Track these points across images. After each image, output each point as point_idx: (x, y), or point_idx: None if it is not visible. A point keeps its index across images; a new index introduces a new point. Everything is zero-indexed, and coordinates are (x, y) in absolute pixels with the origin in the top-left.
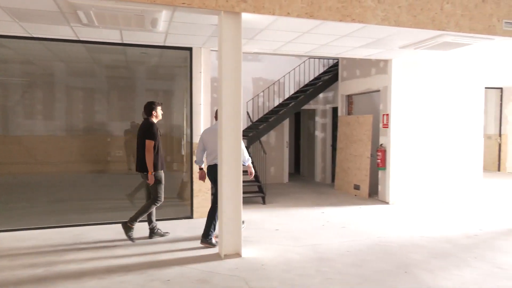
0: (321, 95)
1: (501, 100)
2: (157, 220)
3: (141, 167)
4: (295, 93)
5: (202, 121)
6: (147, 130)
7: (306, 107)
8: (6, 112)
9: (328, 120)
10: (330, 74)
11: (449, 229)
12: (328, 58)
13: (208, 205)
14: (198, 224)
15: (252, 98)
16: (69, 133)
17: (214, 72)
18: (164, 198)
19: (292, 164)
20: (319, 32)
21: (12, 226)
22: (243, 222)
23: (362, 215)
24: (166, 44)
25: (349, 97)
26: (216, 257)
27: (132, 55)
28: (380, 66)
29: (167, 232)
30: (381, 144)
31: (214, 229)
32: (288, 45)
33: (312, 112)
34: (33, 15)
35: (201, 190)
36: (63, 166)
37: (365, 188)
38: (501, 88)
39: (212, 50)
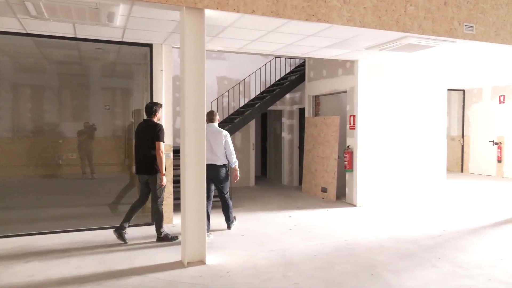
0: (288, 96)
1: (463, 102)
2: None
3: (146, 169)
4: (261, 93)
5: (163, 122)
6: (156, 132)
7: (272, 107)
8: None
9: (295, 121)
10: (297, 74)
11: (414, 230)
12: (295, 58)
13: (169, 210)
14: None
15: (217, 98)
16: (15, 134)
17: (176, 70)
18: (122, 204)
19: (259, 167)
20: (285, 31)
21: None
22: (235, 218)
23: (329, 218)
24: (124, 40)
25: (316, 98)
26: (179, 265)
27: (87, 51)
28: (347, 67)
29: (175, 237)
30: (348, 146)
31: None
32: (253, 44)
33: (279, 113)
34: None
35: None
36: (8, 170)
37: (332, 190)
38: (463, 90)
39: (174, 47)
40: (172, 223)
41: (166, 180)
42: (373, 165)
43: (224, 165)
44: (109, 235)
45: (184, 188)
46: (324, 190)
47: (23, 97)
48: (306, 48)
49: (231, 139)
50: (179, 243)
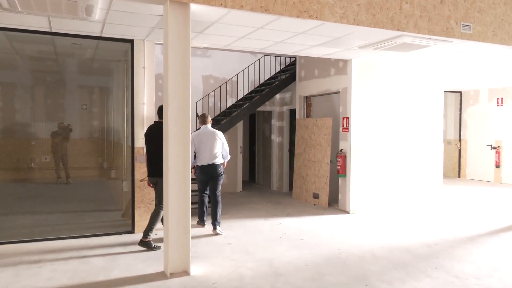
0: (277, 96)
1: (461, 104)
2: (92, 235)
3: (159, 171)
4: (250, 93)
5: (145, 123)
6: None
7: (261, 108)
8: None
9: (286, 123)
10: (287, 74)
11: (409, 239)
12: (285, 56)
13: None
14: (139, 239)
15: (202, 98)
16: None
17: (159, 68)
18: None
19: (247, 171)
20: (274, 28)
21: None
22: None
23: (321, 225)
24: (103, 35)
25: (308, 99)
26: (161, 276)
27: (62, 46)
28: (340, 66)
29: (158, 247)
30: (341, 150)
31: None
32: (241, 41)
33: (268, 114)
34: None
35: (144, 201)
36: None
37: (324, 196)
38: (460, 92)
39: (156, 43)
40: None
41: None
42: (367, 170)
43: (220, 164)
44: (84, 244)
45: (167, 193)
46: (315, 196)
47: None
48: (297, 46)
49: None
50: (160, 253)
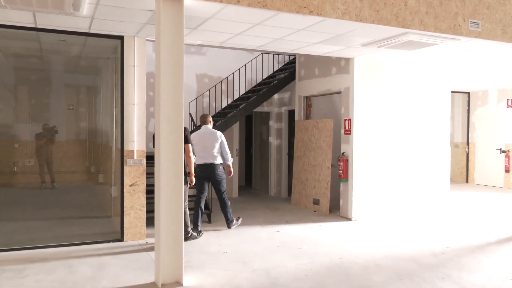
0: (276, 96)
1: (468, 105)
2: (79, 244)
3: None
4: (246, 93)
5: (135, 124)
6: (184, 135)
7: (258, 109)
8: None
9: (284, 125)
10: (286, 72)
11: (415, 247)
12: (284, 54)
13: (141, 224)
14: (129, 248)
15: (196, 98)
16: None
17: (151, 66)
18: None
19: (243, 176)
20: (273, 24)
21: None
22: (238, 218)
23: (322, 233)
24: (92, 31)
25: (308, 99)
26: (152, 287)
27: (48, 43)
28: (341, 65)
29: (200, 232)
30: (343, 153)
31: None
32: (237, 38)
33: (266, 116)
34: None
35: (134, 207)
36: None
37: (325, 202)
38: (468, 93)
39: (148, 40)
40: (144, 239)
41: (194, 180)
42: (370, 175)
43: (219, 164)
44: (70, 252)
45: (159, 199)
46: (316, 202)
47: None
48: (297, 43)
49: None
50: (151, 262)
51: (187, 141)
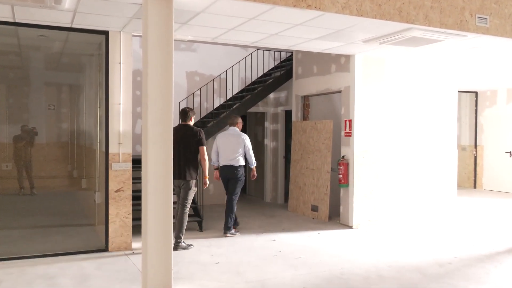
0: (271, 95)
1: (476, 106)
2: (60, 254)
3: (184, 174)
4: (240, 92)
5: (121, 126)
6: (199, 137)
7: (253, 109)
8: None
9: (281, 126)
10: (283, 70)
11: (419, 257)
12: (280, 51)
13: (127, 233)
14: (115, 258)
15: (186, 98)
16: None
17: (138, 64)
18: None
19: None
20: (268, 18)
21: None
22: (237, 231)
23: (321, 242)
24: (74, 26)
25: (305, 99)
26: None
27: (27, 38)
28: (341, 63)
29: (191, 245)
30: (343, 156)
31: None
32: (230, 33)
33: (261, 116)
34: None
35: (119, 214)
36: None
37: (324, 209)
38: (475, 92)
39: (134, 36)
40: (131, 248)
41: (208, 182)
42: (373, 179)
43: (240, 166)
44: (51, 263)
45: (146, 206)
46: (314, 208)
47: None
48: (294, 39)
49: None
50: (138, 273)
51: (202, 143)
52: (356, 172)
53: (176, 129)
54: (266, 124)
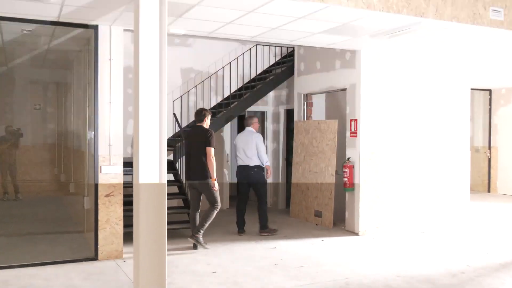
0: (272, 94)
1: (490, 104)
2: (46, 264)
3: (197, 175)
4: (238, 90)
5: (111, 126)
6: (207, 138)
7: (252, 108)
8: None
9: (282, 126)
10: (284, 67)
11: (430, 266)
12: (281, 46)
13: (118, 241)
14: (105, 268)
15: (181, 96)
16: None
17: (129, 60)
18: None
19: (235, 185)
20: (268, 11)
21: None
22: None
23: (324, 250)
24: (61, 20)
25: (308, 97)
26: None
27: (11, 33)
28: (347, 59)
29: (207, 247)
30: (349, 158)
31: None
32: (228, 27)
33: (261, 116)
34: None
35: (109, 220)
36: None
37: (328, 215)
38: (489, 90)
39: (126, 30)
40: (122, 257)
41: (217, 185)
42: (380, 183)
43: (257, 166)
44: (36, 274)
45: (138, 212)
46: (318, 214)
47: None
48: (296, 33)
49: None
50: (129, 284)
51: (209, 144)
52: (363, 175)
53: (189, 131)
54: (266, 124)
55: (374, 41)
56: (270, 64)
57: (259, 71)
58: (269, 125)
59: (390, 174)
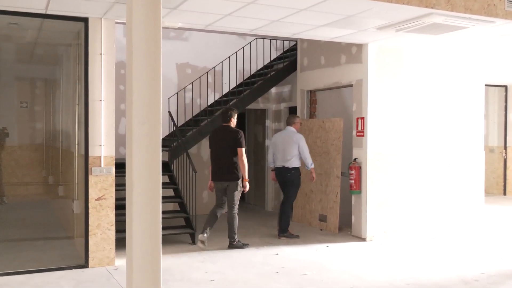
0: (273, 90)
1: (506, 101)
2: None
3: (226, 175)
4: (238, 86)
5: (102, 125)
6: (238, 138)
7: (252, 106)
8: None
9: (284, 125)
10: (286, 62)
11: (442, 273)
12: (283, 40)
13: (110, 246)
14: (96, 275)
15: (177, 93)
16: None
17: (122, 55)
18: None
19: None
20: (269, 3)
21: None
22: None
23: (329, 256)
24: (49, 12)
25: (312, 94)
26: None
27: None
28: (353, 53)
29: (246, 244)
30: (355, 159)
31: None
32: (226, 20)
33: (262, 114)
34: None
35: (101, 225)
36: None
37: (333, 219)
38: (505, 86)
39: (117, 23)
40: (114, 264)
41: (248, 185)
42: (388, 185)
43: (295, 168)
44: (23, 282)
45: (131, 216)
46: (322, 218)
47: None
48: (298, 26)
49: (199, 146)
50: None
51: (240, 145)
52: (370, 177)
53: (215, 131)
54: (267, 122)
55: (382, 35)
56: (271, 59)
57: (260, 66)
58: (270, 124)
59: (399, 176)
